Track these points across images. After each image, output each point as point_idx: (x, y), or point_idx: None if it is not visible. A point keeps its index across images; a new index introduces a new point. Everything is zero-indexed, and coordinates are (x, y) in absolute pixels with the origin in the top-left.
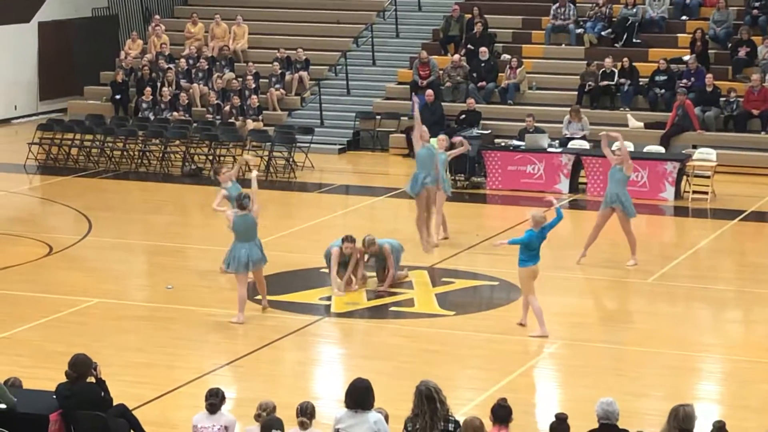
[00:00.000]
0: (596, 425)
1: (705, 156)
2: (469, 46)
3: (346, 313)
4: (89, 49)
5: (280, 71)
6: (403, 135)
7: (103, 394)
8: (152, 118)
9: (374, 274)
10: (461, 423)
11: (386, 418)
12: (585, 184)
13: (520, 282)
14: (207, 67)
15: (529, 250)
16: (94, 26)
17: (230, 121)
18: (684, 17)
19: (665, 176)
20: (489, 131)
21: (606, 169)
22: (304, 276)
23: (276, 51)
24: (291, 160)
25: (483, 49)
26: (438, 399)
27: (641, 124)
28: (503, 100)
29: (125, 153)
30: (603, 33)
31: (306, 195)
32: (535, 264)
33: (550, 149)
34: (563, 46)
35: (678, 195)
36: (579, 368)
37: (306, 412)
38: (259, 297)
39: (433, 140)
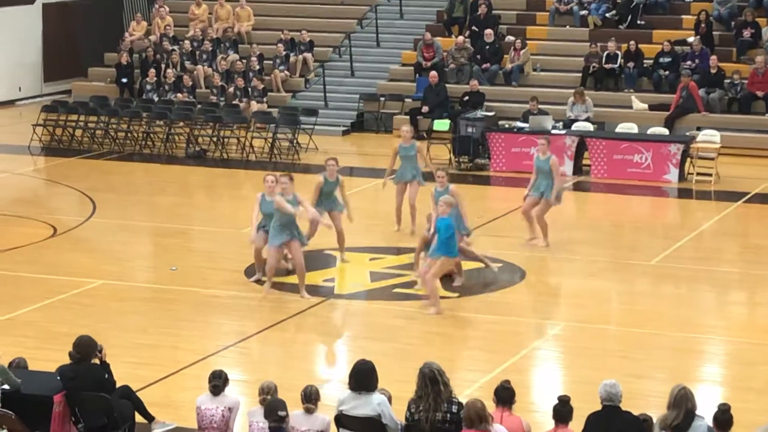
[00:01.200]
0: (599, 407)
1: (709, 138)
2: (473, 27)
3: (349, 295)
4: (93, 30)
5: (284, 53)
6: (407, 117)
7: (106, 376)
8: (156, 99)
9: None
10: (464, 405)
11: (389, 399)
12: (588, 166)
13: (441, 269)
14: (211, 48)
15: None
16: (98, 8)
17: (234, 102)
18: None
19: (669, 158)
20: (493, 113)
21: (610, 152)
22: (307, 257)
23: (280, 33)
24: (295, 141)
25: (487, 30)
26: (441, 381)
27: (645, 106)
28: (507, 82)
29: (129, 134)
30: (607, 15)
31: (310, 177)
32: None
33: (554, 131)
34: (567, 27)
35: (682, 177)
36: (582, 350)
37: (310, 398)
38: (261, 277)
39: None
